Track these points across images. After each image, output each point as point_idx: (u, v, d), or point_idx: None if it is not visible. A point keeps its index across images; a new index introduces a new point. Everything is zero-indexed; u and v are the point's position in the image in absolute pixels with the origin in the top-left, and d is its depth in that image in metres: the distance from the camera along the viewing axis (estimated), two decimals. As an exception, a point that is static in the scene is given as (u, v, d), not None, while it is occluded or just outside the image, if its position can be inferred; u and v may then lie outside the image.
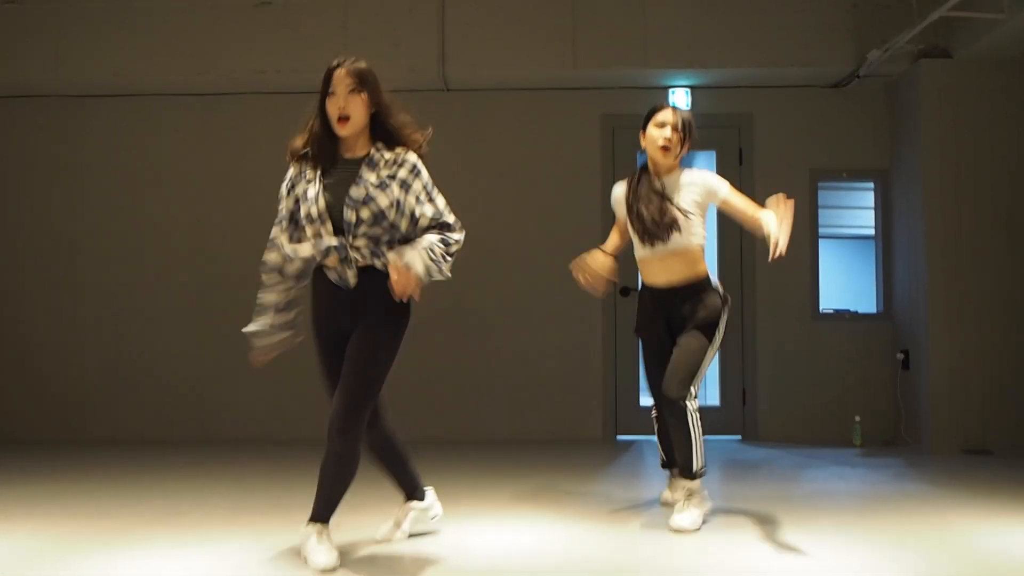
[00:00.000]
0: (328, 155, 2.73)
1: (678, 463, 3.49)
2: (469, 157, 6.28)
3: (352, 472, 2.79)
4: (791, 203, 3.23)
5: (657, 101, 3.58)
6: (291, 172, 2.84)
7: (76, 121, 6.42)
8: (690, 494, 3.42)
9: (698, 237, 3.53)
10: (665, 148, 3.41)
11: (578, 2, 5.96)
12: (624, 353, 6.18)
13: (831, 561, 2.94)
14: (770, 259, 3.22)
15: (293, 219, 2.81)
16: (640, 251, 3.60)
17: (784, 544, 3.16)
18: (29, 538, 3.34)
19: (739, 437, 6.15)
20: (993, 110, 5.68)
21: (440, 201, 2.88)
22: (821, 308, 6.24)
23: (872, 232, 6.38)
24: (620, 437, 6.14)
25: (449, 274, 2.87)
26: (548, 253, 6.24)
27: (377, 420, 2.95)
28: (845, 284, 6.65)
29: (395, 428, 3.12)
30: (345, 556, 2.90)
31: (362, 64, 2.74)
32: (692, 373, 3.42)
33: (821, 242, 6.31)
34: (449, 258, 2.82)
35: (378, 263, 2.73)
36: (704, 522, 3.42)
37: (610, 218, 6.23)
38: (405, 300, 2.75)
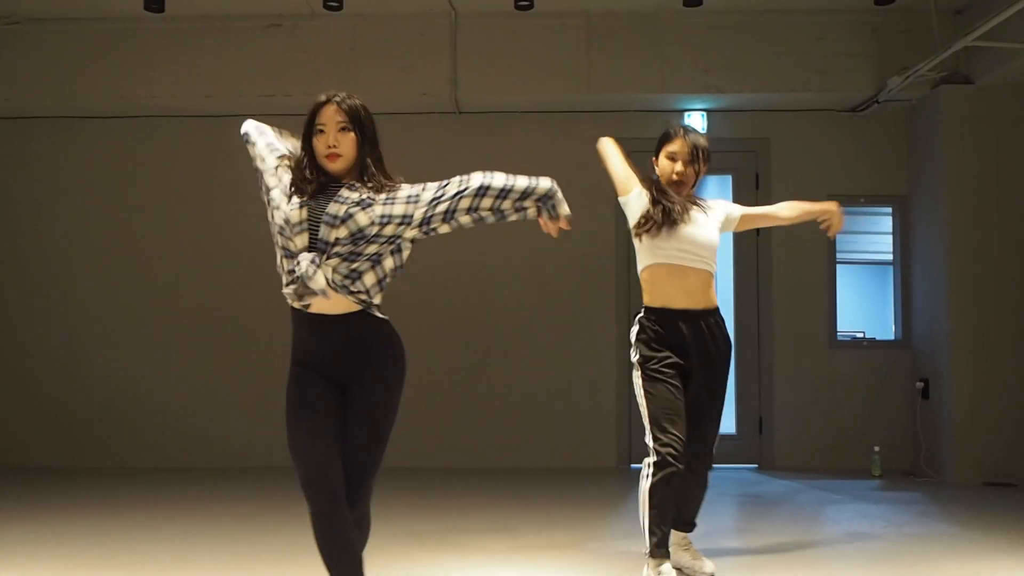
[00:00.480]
0: (315, 187, 2.49)
1: (686, 519, 3.39)
2: (482, 182, 6.22)
3: (369, 529, 2.64)
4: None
5: (669, 124, 3.43)
6: (280, 167, 2.59)
7: (79, 144, 6.38)
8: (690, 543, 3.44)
9: (713, 265, 3.33)
10: (677, 183, 3.27)
11: (593, 26, 5.90)
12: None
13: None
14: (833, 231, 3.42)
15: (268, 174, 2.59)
16: (651, 255, 3.27)
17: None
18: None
19: (755, 466, 6.07)
20: (1015, 137, 5.62)
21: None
22: (838, 334, 6.16)
23: (889, 258, 6.31)
24: (635, 466, 6.07)
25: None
26: (561, 279, 6.19)
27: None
28: (861, 310, 6.58)
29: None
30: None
31: (356, 101, 2.54)
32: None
33: (838, 268, 6.24)
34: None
35: (351, 297, 2.46)
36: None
37: (623, 243, 6.21)
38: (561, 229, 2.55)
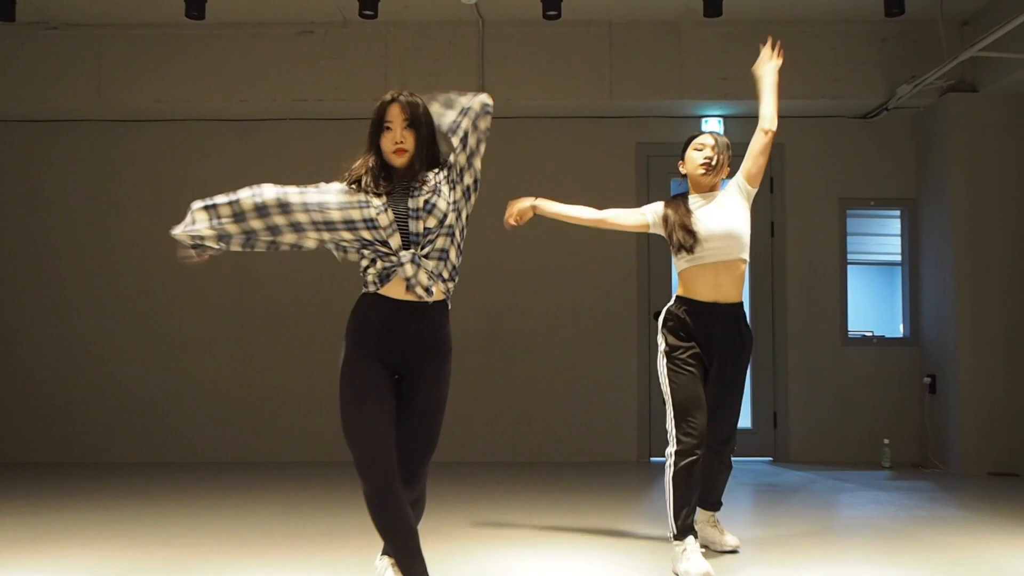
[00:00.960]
0: (385, 181, 2.68)
1: (712, 500, 3.65)
2: (507, 183, 6.41)
3: (424, 506, 2.85)
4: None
5: (693, 132, 3.74)
6: (343, 189, 2.71)
7: (116, 146, 6.58)
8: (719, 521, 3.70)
9: (747, 249, 3.49)
10: (706, 166, 3.45)
11: (615, 35, 6.15)
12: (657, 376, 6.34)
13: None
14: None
15: (314, 224, 2.67)
16: (687, 261, 3.44)
17: (828, 571, 3.29)
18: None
19: (770, 459, 6.31)
20: (1019, 143, 5.86)
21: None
22: (849, 332, 6.40)
23: (898, 258, 6.55)
24: (655, 459, 6.31)
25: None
26: (582, 278, 6.43)
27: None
28: (872, 309, 6.82)
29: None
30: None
31: (416, 98, 2.72)
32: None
33: (849, 268, 6.48)
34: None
35: (442, 284, 2.68)
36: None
37: (643, 244, 6.45)
38: None
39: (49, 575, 3.31)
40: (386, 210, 2.65)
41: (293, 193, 2.68)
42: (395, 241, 2.65)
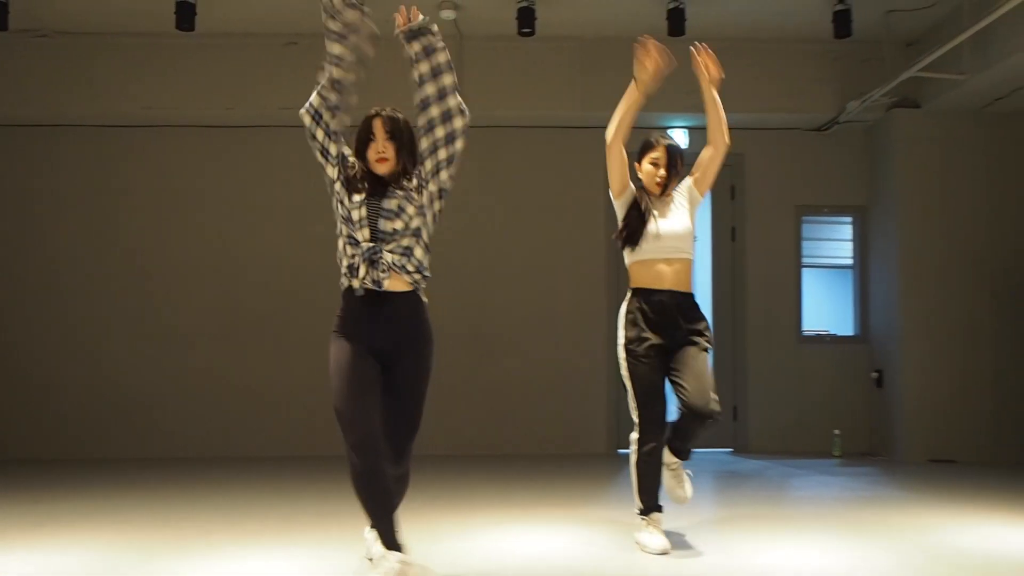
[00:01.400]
0: (371, 188, 2.95)
1: (678, 447, 3.61)
2: (484, 189, 6.80)
3: (408, 483, 3.10)
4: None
5: (649, 135, 3.87)
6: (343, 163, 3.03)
7: (106, 151, 6.78)
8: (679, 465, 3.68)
9: (691, 252, 3.73)
10: (660, 185, 3.72)
11: (586, 50, 6.52)
12: (625, 371, 6.71)
13: (821, 560, 3.42)
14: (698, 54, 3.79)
15: (334, 139, 2.98)
16: (639, 253, 3.65)
17: (776, 544, 3.66)
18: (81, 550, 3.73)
19: (731, 450, 6.71)
20: (957, 155, 6.34)
21: None
22: (804, 331, 6.83)
23: (850, 262, 6.99)
24: (622, 451, 6.67)
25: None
26: (555, 279, 6.78)
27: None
28: (825, 309, 7.25)
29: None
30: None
31: (398, 114, 3.02)
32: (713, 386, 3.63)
33: (804, 271, 6.92)
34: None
35: (407, 277, 2.92)
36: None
37: (613, 246, 6.76)
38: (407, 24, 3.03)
39: (52, 556, 3.43)
40: (361, 207, 2.93)
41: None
42: (363, 235, 2.92)
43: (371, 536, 3.07)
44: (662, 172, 3.74)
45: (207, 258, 6.77)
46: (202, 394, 6.65)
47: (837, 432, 6.48)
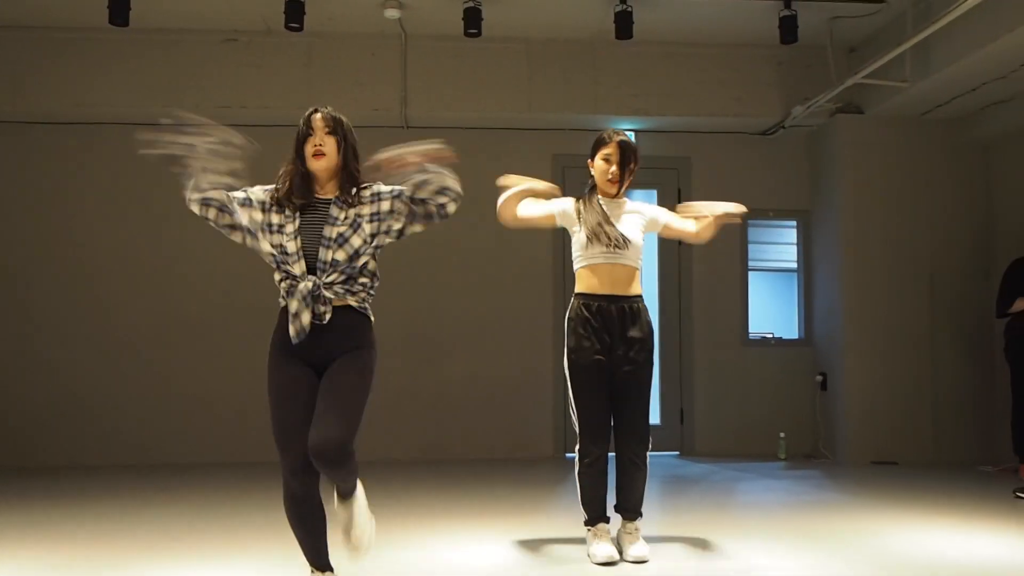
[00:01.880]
0: (304, 192, 2.80)
1: (627, 505, 3.58)
2: (429, 191, 6.68)
3: (354, 481, 2.84)
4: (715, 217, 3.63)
5: (603, 130, 3.78)
6: (263, 194, 2.85)
7: (34, 149, 6.51)
8: (636, 529, 3.58)
9: (638, 262, 3.71)
10: (613, 182, 3.66)
11: (533, 52, 6.46)
12: (573, 375, 6.67)
13: (764, 562, 3.44)
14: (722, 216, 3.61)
15: (245, 222, 2.81)
16: (587, 258, 3.61)
17: (722, 550, 3.65)
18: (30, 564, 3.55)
19: (677, 453, 6.71)
20: (900, 160, 6.43)
21: None
22: (750, 334, 6.87)
23: (794, 265, 7.06)
24: (569, 455, 6.61)
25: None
26: (500, 283, 6.71)
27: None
28: (770, 312, 7.31)
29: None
30: None
31: (338, 114, 2.90)
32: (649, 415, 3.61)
33: (750, 274, 6.95)
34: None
35: (352, 300, 2.78)
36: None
37: (559, 251, 6.77)
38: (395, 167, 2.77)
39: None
40: (295, 237, 2.74)
41: (237, 199, 2.83)
42: (298, 268, 2.73)
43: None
44: (614, 169, 3.67)
45: (144, 260, 6.55)
46: (138, 400, 6.43)
47: (782, 435, 6.52)
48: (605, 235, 3.59)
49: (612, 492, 3.61)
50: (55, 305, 6.47)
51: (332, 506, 2.83)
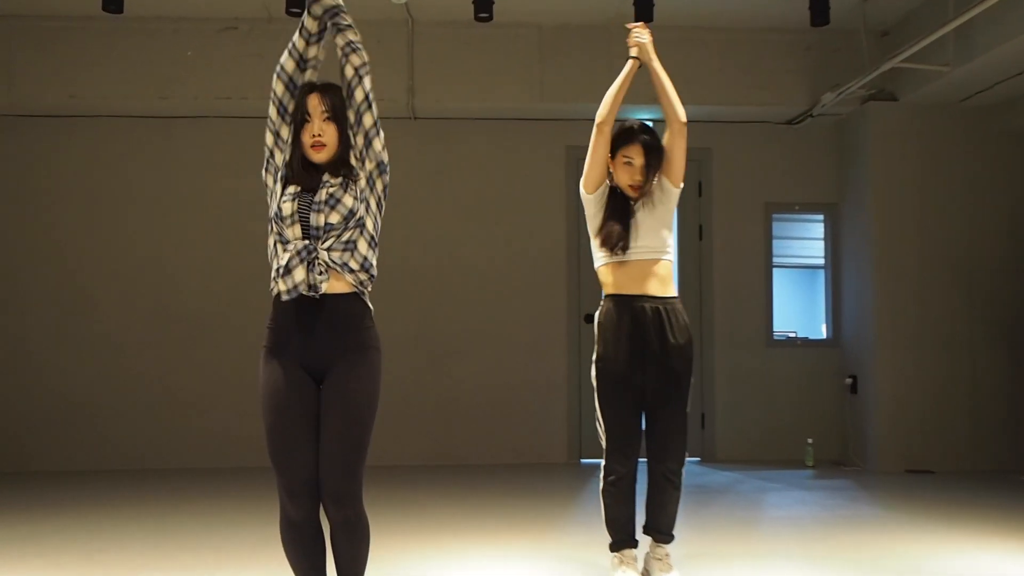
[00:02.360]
0: (305, 180, 2.50)
1: (658, 527, 3.30)
2: (435, 184, 6.40)
3: (368, 537, 2.54)
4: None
5: (627, 121, 3.43)
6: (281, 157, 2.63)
7: (27, 142, 6.29)
8: (667, 555, 3.31)
9: (670, 250, 3.37)
10: (635, 188, 3.31)
11: (545, 38, 6.15)
12: (588, 379, 6.37)
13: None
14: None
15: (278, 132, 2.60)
16: (610, 258, 3.31)
17: (759, 574, 3.35)
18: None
19: (698, 459, 6.40)
20: (935, 150, 6.08)
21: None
22: (774, 334, 6.55)
23: (821, 262, 6.72)
24: (584, 461, 6.33)
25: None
26: (513, 280, 6.41)
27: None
28: (796, 311, 6.99)
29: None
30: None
31: (335, 88, 2.56)
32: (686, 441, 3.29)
33: (774, 271, 6.62)
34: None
35: (349, 278, 2.48)
36: None
37: (573, 248, 6.46)
38: None
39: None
40: (293, 200, 2.49)
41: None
42: (293, 233, 2.47)
43: None
44: (637, 177, 3.29)
45: (137, 257, 6.31)
46: (132, 402, 6.20)
47: (810, 441, 6.19)
48: (621, 234, 3.27)
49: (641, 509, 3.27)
50: (47, 307, 6.25)
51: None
